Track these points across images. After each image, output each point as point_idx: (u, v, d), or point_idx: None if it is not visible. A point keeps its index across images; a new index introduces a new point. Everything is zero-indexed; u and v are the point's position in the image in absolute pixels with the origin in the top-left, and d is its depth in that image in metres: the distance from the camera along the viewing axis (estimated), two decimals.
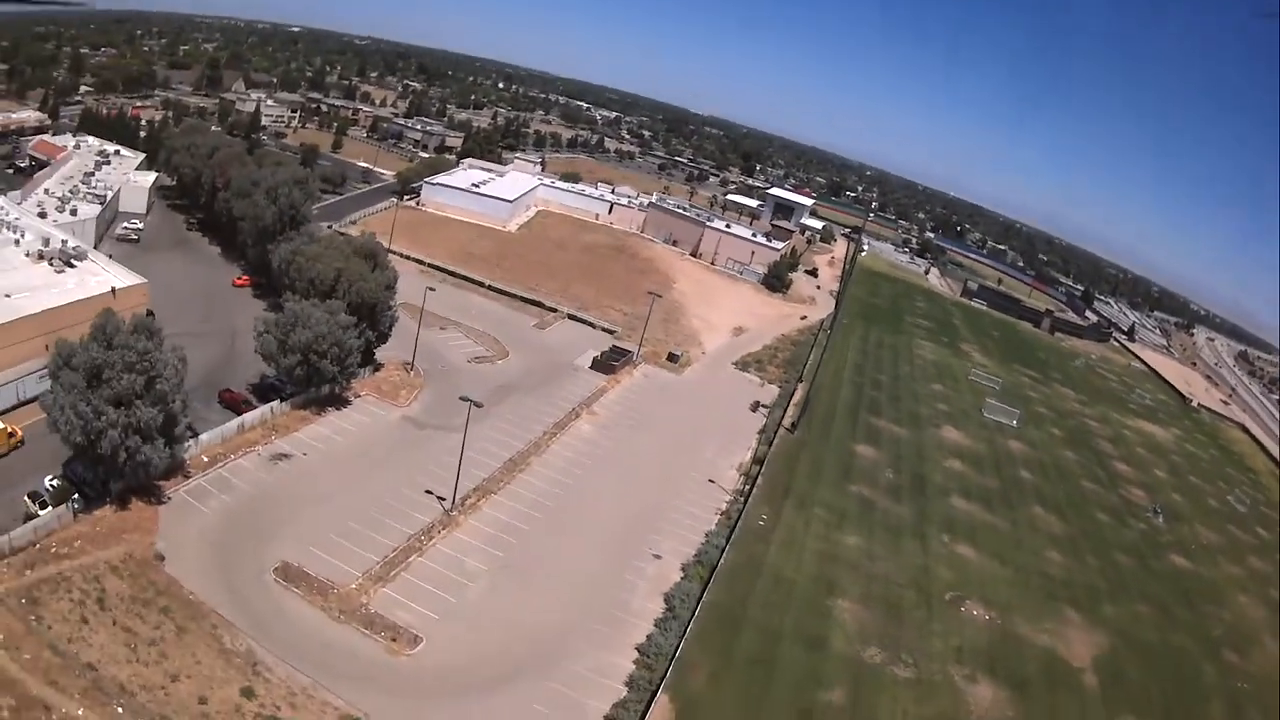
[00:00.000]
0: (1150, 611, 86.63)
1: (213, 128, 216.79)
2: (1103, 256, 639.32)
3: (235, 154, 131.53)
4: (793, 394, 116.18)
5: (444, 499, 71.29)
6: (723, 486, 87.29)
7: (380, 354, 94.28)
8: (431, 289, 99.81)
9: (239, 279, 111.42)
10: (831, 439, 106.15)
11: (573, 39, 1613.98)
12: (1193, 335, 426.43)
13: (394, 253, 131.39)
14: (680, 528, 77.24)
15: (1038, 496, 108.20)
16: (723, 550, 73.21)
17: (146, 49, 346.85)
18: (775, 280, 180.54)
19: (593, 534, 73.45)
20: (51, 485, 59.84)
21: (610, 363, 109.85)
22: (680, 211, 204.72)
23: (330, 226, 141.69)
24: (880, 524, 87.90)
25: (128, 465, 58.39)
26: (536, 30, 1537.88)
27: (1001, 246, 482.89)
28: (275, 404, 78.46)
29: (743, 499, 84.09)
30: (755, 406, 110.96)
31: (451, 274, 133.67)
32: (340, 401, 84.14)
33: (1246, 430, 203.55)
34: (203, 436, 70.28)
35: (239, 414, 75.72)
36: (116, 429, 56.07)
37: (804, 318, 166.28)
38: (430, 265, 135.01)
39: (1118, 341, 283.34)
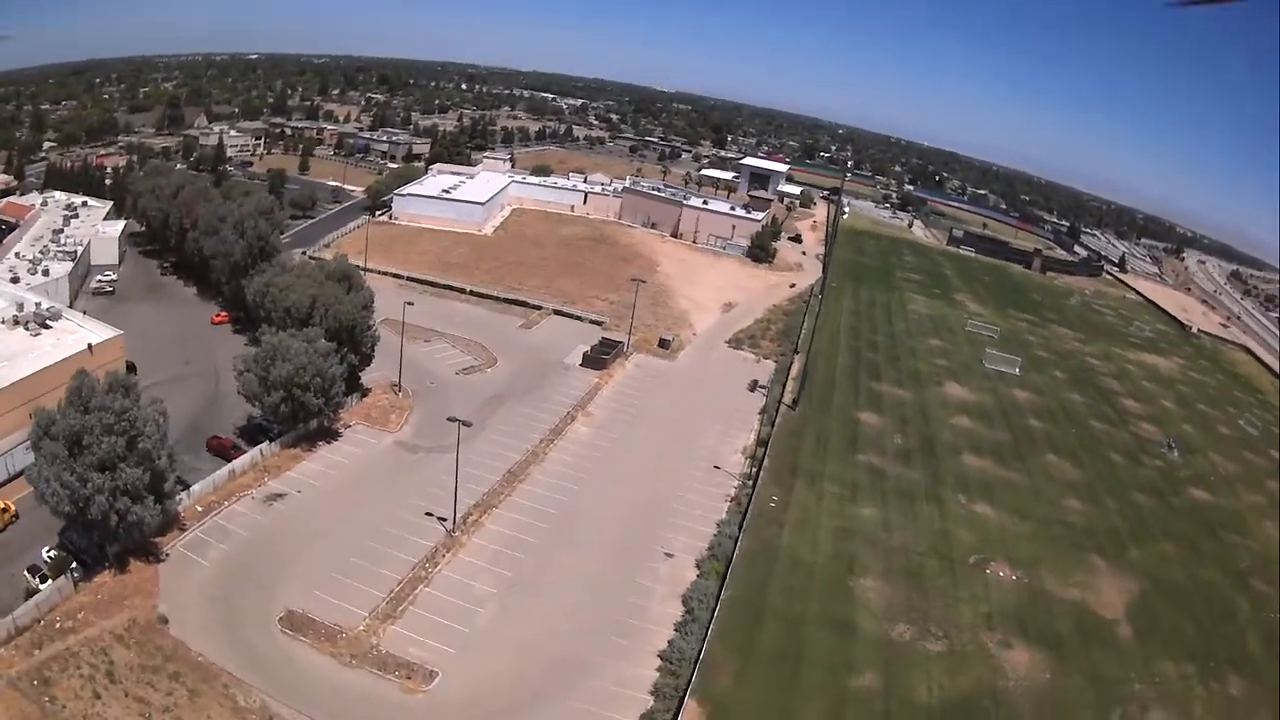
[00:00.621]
0: (1176, 550, 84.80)
1: (178, 166, 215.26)
2: (1083, 190, 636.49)
3: (199, 191, 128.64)
4: (790, 368, 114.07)
5: (445, 519, 69.19)
6: (729, 472, 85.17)
7: (366, 377, 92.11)
8: (410, 303, 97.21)
9: (217, 316, 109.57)
10: (834, 410, 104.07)
11: (532, 32, 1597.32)
12: (1183, 260, 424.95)
13: (370, 270, 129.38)
14: (690, 520, 75.16)
15: (1049, 444, 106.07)
16: (736, 539, 71.26)
17: (106, 96, 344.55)
18: (759, 251, 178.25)
19: (600, 540, 71.30)
20: (49, 557, 58.58)
21: (601, 357, 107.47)
22: (656, 193, 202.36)
23: (304, 252, 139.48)
24: (893, 491, 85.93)
25: (120, 528, 56.81)
26: (495, 27, 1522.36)
27: (982, 191, 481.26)
28: (265, 445, 76.50)
29: (751, 482, 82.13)
30: (753, 386, 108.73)
31: (431, 284, 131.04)
32: (330, 434, 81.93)
33: (1249, 351, 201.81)
34: (194, 487, 68.42)
35: (229, 460, 73.76)
36: (104, 494, 54.52)
37: (793, 285, 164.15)
38: (408, 278, 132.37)
39: (1110, 274, 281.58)
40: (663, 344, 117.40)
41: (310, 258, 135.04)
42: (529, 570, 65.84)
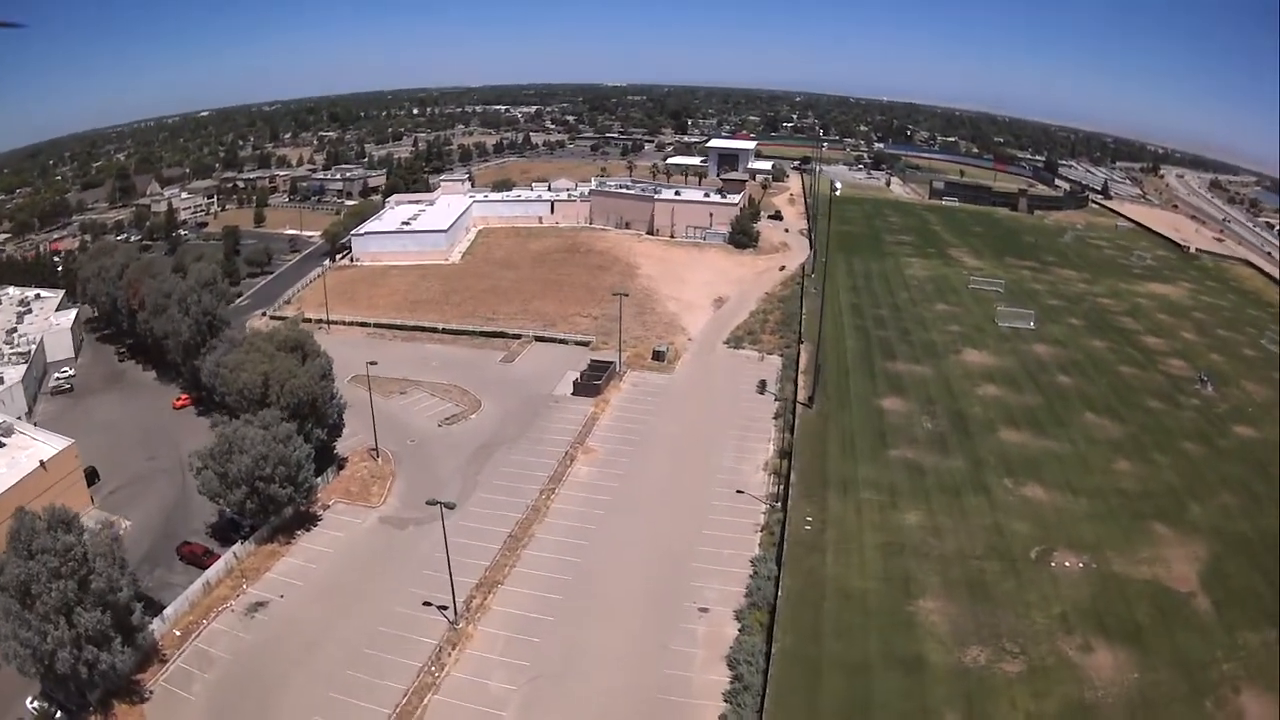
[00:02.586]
0: (1235, 499, 77.11)
1: (131, 238, 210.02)
2: (1049, 122, 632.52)
3: (143, 268, 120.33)
4: (797, 360, 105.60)
5: (446, 608, 60.47)
6: (754, 495, 76.65)
7: (342, 444, 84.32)
8: (373, 363, 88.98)
9: (178, 400, 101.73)
10: (853, 401, 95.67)
11: (477, 47, 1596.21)
12: (1163, 177, 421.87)
13: (334, 322, 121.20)
14: (720, 562, 66.60)
15: (1084, 401, 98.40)
16: (776, 579, 62.82)
17: (59, 177, 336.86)
18: (742, 237, 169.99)
19: (623, 605, 62.72)
20: (33, 708, 52.90)
21: (593, 383, 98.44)
22: (625, 191, 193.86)
23: (264, 313, 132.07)
24: (935, 487, 77.55)
25: (94, 676, 50.42)
26: (440, 49, 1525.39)
27: (951, 138, 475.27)
28: (238, 546, 68.64)
29: (780, 504, 73.74)
30: (762, 387, 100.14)
31: (400, 328, 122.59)
32: (308, 520, 73.72)
33: (1251, 264, 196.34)
34: (168, 609, 60.71)
35: (203, 568, 66.40)
36: (66, 647, 48.21)
37: (782, 268, 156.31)
38: (376, 325, 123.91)
39: (1096, 204, 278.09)
40: (657, 356, 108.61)
41: (271, 318, 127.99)
42: (549, 656, 57.16)
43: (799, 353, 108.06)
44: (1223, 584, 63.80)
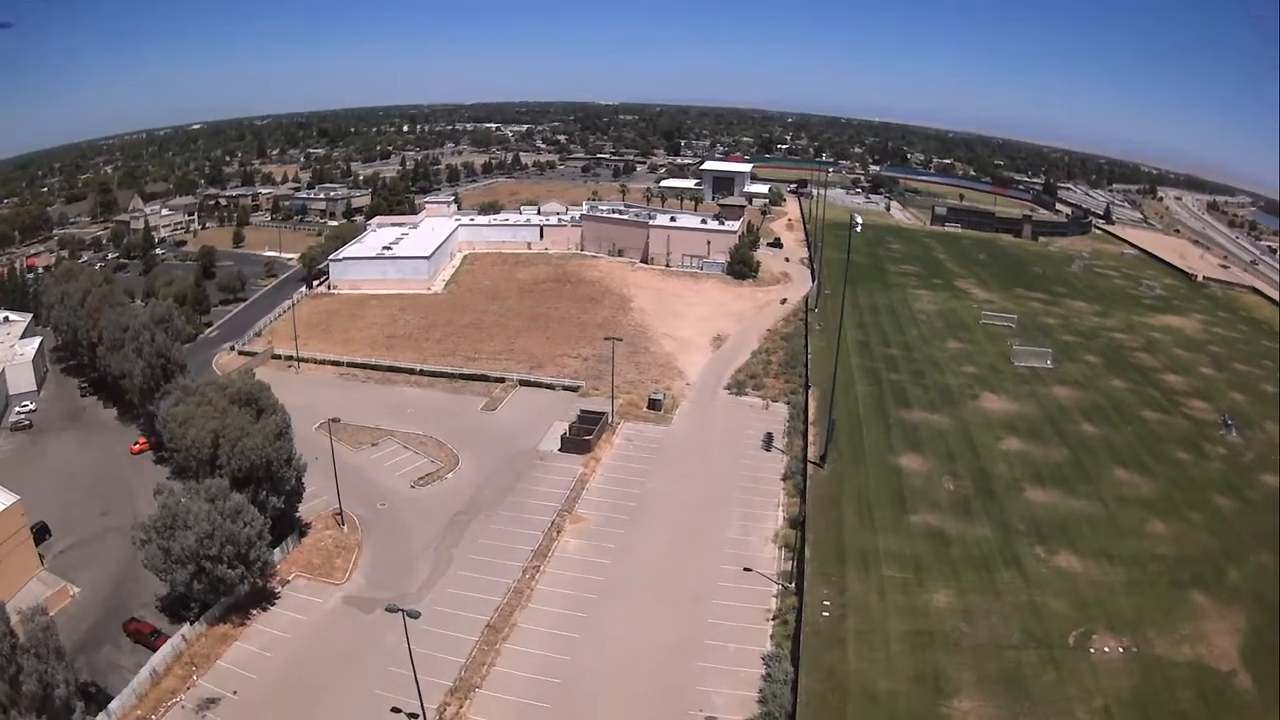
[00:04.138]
0: (1271, 558, 70.55)
1: (109, 255, 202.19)
2: (1042, 144, 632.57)
3: (104, 296, 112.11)
4: (805, 409, 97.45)
5: (415, 716, 51.83)
6: (763, 573, 68.18)
7: (306, 505, 76.14)
8: (335, 420, 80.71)
9: (135, 444, 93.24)
10: (868, 458, 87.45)
11: (469, 63, 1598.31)
12: (1161, 199, 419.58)
13: (305, 360, 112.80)
14: (728, 660, 58.13)
15: (1111, 453, 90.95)
16: (793, 682, 54.46)
17: (45, 189, 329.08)
18: (741, 266, 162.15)
19: (621, 715, 54.26)
20: None
21: (582, 438, 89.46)
22: (618, 216, 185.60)
23: (233, 347, 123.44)
24: (963, 561, 69.50)
25: None
26: (434, 64, 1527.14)
27: (947, 161, 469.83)
28: (187, 628, 60.55)
29: (793, 584, 65.47)
30: (768, 443, 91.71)
31: (374, 368, 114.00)
32: (264, 598, 65.39)
33: (1259, 292, 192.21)
34: (113, 703, 52.96)
35: (151, 648, 59.31)
36: None
37: (784, 301, 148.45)
38: (349, 364, 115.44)
39: (1099, 229, 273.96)
40: (653, 405, 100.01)
41: (239, 352, 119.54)
42: None
43: (806, 400, 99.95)
44: (1264, 659, 57.75)
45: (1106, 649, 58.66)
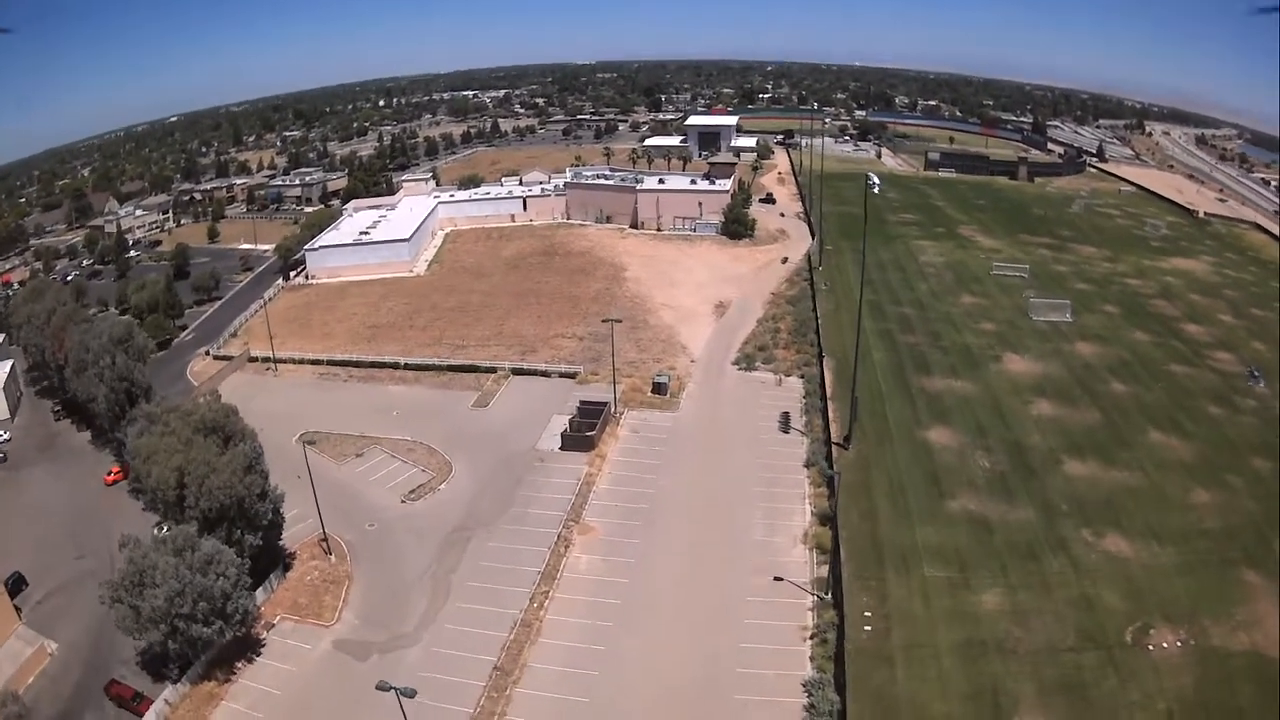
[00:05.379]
0: None
1: (84, 263, 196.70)
2: (1023, 81, 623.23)
3: (69, 315, 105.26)
4: (822, 383, 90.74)
5: None
6: (794, 581, 61.83)
7: (290, 531, 69.90)
8: (310, 442, 74.38)
9: (109, 474, 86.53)
10: (894, 434, 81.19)
11: (443, 32, 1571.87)
12: (1150, 135, 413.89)
13: (282, 360, 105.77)
14: (766, 690, 51.87)
15: (1144, 413, 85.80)
16: (840, 713, 48.53)
17: (23, 199, 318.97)
18: (737, 226, 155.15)
19: None
20: None
21: (584, 435, 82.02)
22: (603, 181, 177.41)
23: (208, 351, 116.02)
24: (1008, 550, 63.83)
25: None
26: (407, 36, 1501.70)
27: (932, 103, 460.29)
28: (169, 690, 54.68)
29: (829, 593, 59.32)
30: (785, 423, 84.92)
31: (356, 365, 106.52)
32: (249, 646, 59.10)
33: (1261, 228, 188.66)
34: None
35: (136, 714, 54.41)
36: None
37: (785, 260, 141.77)
38: (329, 362, 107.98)
39: (1094, 168, 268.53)
40: (657, 389, 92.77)
41: (215, 357, 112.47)
42: None
43: (822, 372, 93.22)
44: None
45: (1165, 644, 54.45)
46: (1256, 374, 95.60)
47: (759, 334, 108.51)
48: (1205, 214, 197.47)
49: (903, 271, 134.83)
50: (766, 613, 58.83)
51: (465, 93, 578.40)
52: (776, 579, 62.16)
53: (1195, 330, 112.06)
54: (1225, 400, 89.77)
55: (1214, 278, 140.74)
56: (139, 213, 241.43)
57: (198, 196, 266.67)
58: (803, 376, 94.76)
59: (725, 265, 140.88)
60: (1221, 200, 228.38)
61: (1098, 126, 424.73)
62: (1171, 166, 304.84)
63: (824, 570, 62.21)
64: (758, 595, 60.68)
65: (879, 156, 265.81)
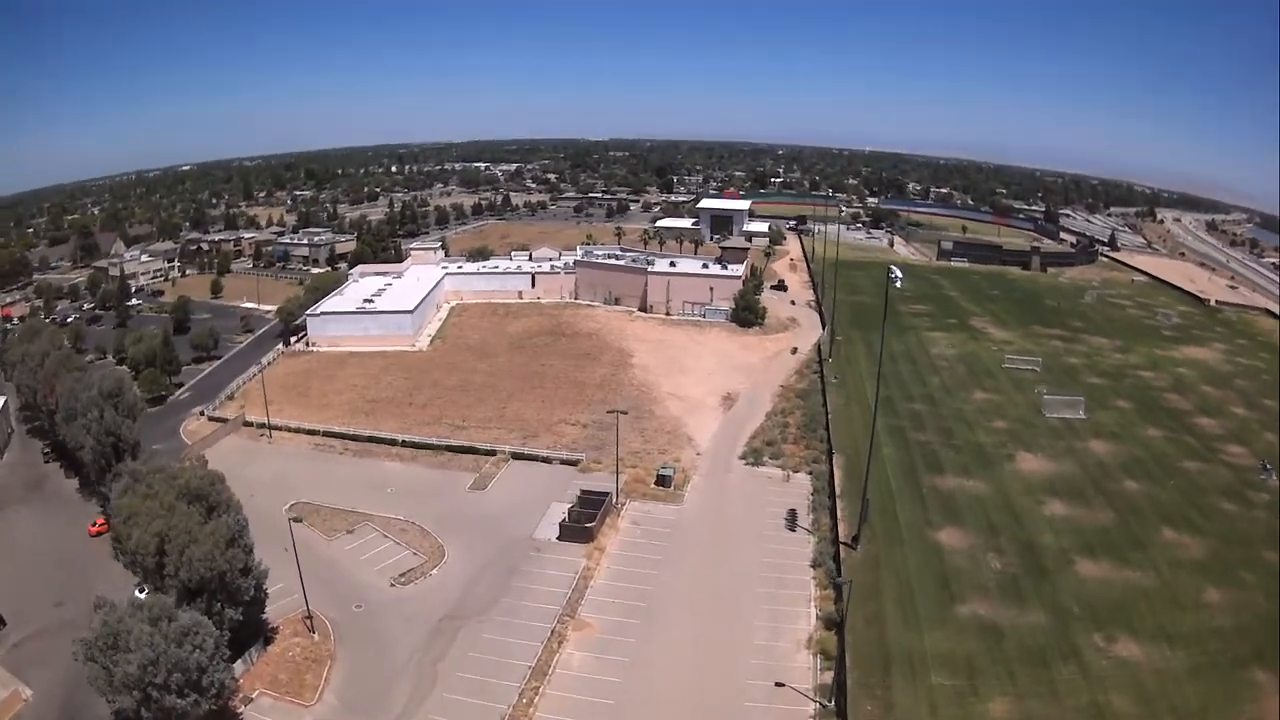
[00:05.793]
0: None
1: (85, 305, 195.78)
2: (1034, 167, 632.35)
3: (62, 360, 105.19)
4: (831, 482, 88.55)
5: None
6: (797, 688, 59.05)
7: (274, 605, 67.57)
8: (297, 519, 72.24)
9: (94, 525, 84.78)
10: (904, 535, 78.90)
11: (457, 102, 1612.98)
12: (1161, 222, 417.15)
13: (277, 428, 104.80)
14: None
15: (1157, 512, 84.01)
16: None
17: (31, 229, 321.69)
18: (747, 314, 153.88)
19: None
20: None
21: (583, 525, 79.62)
22: (614, 262, 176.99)
23: (202, 411, 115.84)
24: (1018, 657, 61.31)
25: None
26: (425, 104, 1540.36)
27: (944, 190, 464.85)
28: None
29: (833, 701, 56.62)
30: (792, 521, 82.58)
31: (353, 438, 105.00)
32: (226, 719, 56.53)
33: (1272, 314, 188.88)
34: None
35: None
36: None
37: (794, 350, 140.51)
38: (325, 434, 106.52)
39: (1105, 257, 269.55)
40: (661, 481, 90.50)
41: (210, 418, 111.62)
42: None
43: (831, 469, 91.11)
44: None
45: None
46: (1268, 467, 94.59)
47: (767, 428, 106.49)
48: (1216, 302, 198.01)
49: (914, 364, 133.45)
50: (767, 716, 56.19)
51: (478, 164, 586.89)
52: (778, 685, 59.44)
53: (1207, 423, 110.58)
54: (1237, 495, 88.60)
55: (1225, 366, 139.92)
56: (145, 258, 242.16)
57: (205, 247, 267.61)
58: (811, 473, 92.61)
59: (735, 354, 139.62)
60: (1232, 287, 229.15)
61: (1109, 214, 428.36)
62: (1183, 254, 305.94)
63: (828, 676, 59.66)
64: (758, 701, 57.98)
65: (891, 245, 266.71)
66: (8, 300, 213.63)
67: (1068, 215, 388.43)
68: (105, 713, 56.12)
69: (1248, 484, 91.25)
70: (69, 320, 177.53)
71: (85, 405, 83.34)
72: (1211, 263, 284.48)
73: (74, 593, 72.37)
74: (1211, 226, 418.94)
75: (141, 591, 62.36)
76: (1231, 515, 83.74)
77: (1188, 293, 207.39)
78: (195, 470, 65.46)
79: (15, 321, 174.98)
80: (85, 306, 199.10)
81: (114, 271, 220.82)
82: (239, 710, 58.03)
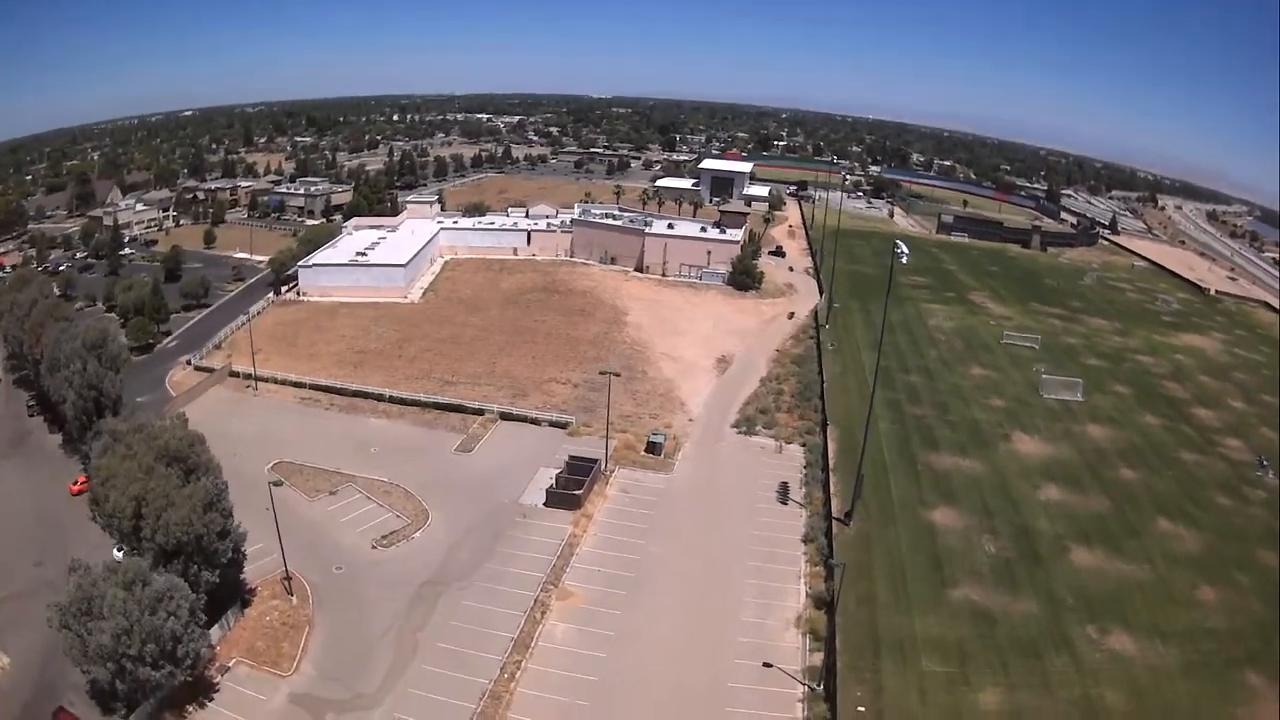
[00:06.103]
0: None
1: (78, 254, 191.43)
2: (1038, 145, 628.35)
3: (49, 310, 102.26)
4: (824, 454, 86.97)
5: None
6: (784, 669, 57.76)
7: (252, 566, 65.84)
8: (278, 483, 69.98)
9: (75, 484, 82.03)
10: (897, 513, 77.54)
11: (463, 54, 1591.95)
12: (1163, 209, 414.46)
13: (263, 379, 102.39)
14: None
15: (1153, 501, 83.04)
16: None
17: (30, 176, 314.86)
18: (744, 278, 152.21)
19: None
20: None
21: (571, 492, 77.88)
22: (611, 222, 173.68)
23: (188, 360, 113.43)
24: (1010, 645, 60.25)
25: None
26: (430, 55, 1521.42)
27: (948, 163, 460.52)
28: None
29: (821, 684, 55.32)
30: (784, 494, 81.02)
31: (339, 392, 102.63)
32: (201, 691, 55.01)
33: (1271, 307, 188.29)
34: None
35: None
36: None
37: (791, 315, 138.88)
38: (311, 386, 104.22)
39: (1106, 240, 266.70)
40: (652, 449, 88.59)
41: (196, 367, 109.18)
42: None
43: (825, 441, 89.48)
44: None
45: None
46: (1265, 463, 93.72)
47: (761, 395, 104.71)
48: (1216, 291, 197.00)
49: (911, 335, 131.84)
50: (753, 702, 54.81)
51: (480, 115, 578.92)
52: (766, 665, 58.17)
53: (1205, 415, 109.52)
54: (1234, 490, 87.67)
55: (1224, 357, 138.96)
56: (140, 207, 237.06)
57: (201, 196, 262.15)
58: (804, 445, 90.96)
59: (731, 317, 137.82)
60: (1232, 278, 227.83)
61: (1110, 197, 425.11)
62: (1183, 242, 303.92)
63: (816, 658, 58.49)
64: (745, 682, 56.62)
65: (891, 216, 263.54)
66: (1, 250, 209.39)
67: (1069, 196, 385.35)
68: (81, 683, 54.84)
69: (1244, 480, 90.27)
70: (60, 269, 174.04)
71: (68, 356, 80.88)
72: (1212, 252, 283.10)
73: (54, 553, 70.56)
74: (1212, 216, 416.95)
75: (120, 552, 60.61)
76: (1227, 510, 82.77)
77: (1187, 280, 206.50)
78: (175, 430, 63.00)
79: (8, 270, 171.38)
80: (78, 256, 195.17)
81: (108, 221, 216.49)
82: (215, 680, 56.36)
